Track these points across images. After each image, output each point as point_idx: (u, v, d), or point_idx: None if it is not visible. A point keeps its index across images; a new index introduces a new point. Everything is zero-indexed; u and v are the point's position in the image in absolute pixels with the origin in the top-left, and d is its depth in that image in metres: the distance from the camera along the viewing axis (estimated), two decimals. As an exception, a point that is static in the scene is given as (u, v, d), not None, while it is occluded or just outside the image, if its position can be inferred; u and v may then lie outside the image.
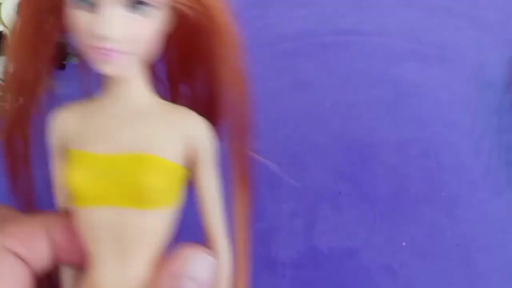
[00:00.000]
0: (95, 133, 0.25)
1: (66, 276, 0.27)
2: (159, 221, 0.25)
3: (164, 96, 0.27)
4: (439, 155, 0.44)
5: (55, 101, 0.31)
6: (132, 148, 0.24)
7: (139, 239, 0.25)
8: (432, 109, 0.47)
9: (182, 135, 0.25)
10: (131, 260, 0.25)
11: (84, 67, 0.27)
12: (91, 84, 0.30)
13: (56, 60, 0.43)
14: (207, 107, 0.28)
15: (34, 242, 0.25)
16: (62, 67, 0.45)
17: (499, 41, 0.50)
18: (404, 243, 0.40)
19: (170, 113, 0.26)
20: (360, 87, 0.48)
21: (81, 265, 0.26)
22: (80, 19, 0.22)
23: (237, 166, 0.28)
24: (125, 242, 0.25)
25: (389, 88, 0.48)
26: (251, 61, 0.43)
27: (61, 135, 0.26)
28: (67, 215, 0.26)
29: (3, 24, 0.41)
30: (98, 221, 0.25)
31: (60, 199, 0.27)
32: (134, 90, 0.25)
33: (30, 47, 0.25)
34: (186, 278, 0.24)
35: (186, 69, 0.28)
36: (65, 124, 0.26)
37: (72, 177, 0.24)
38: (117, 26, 0.22)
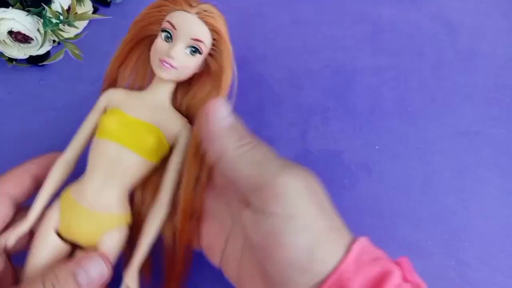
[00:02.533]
0: (131, 105, 0.35)
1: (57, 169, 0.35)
2: (140, 166, 0.33)
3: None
4: (407, 78, 0.48)
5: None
6: (148, 120, 0.34)
7: (122, 173, 0.33)
8: (402, 42, 0.51)
9: (174, 126, 0.34)
10: (109, 188, 0.33)
11: None
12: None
13: None
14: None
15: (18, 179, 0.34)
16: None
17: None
18: (377, 147, 0.44)
19: (172, 112, 0.35)
20: (346, 23, 0.52)
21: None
22: (161, 45, 0.34)
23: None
24: (113, 171, 0.33)
25: (369, 24, 0.52)
26: (260, 3, 0.48)
27: (110, 99, 0.36)
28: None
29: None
30: (105, 151, 0.33)
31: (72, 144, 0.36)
32: (164, 93, 0.35)
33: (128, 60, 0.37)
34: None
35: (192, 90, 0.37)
36: (114, 94, 0.36)
37: (107, 119, 0.34)
38: (179, 54, 0.33)
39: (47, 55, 0.48)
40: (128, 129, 0.33)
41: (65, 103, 0.46)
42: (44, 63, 0.47)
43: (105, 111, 0.36)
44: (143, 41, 0.36)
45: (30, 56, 0.47)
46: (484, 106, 0.47)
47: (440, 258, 0.39)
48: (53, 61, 0.48)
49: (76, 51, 0.45)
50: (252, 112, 0.46)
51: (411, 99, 0.47)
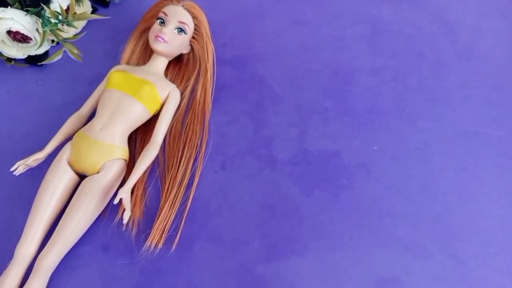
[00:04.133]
0: (132, 70, 0.44)
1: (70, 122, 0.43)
2: (138, 111, 0.42)
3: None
4: (406, 78, 0.48)
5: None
6: (146, 78, 0.43)
7: (124, 115, 0.41)
8: (402, 42, 0.51)
9: (166, 87, 0.44)
10: (113, 124, 0.40)
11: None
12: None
13: None
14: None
15: None
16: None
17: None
18: (376, 147, 0.44)
19: (165, 79, 0.45)
20: (346, 23, 0.52)
21: None
22: (156, 27, 0.45)
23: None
24: (117, 112, 0.41)
25: (368, 24, 0.52)
26: (260, 3, 0.48)
27: (116, 69, 0.44)
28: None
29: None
30: (111, 96, 0.41)
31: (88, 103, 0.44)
32: (159, 66, 0.45)
33: (139, 46, 0.49)
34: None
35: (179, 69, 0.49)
36: (120, 66, 0.46)
37: (113, 74, 0.43)
38: (170, 31, 0.44)
39: (45, 55, 0.48)
40: (129, 82, 0.42)
41: (64, 103, 0.46)
42: (42, 63, 0.47)
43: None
44: (144, 33, 0.48)
45: (29, 56, 0.47)
46: (483, 106, 0.47)
47: (440, 258, 0.39)
48: (52, 61, 0.48)
49: (75, 51, 0.45)
50: (252, 112, 0.46)
51: (410, 99, 0.47)
